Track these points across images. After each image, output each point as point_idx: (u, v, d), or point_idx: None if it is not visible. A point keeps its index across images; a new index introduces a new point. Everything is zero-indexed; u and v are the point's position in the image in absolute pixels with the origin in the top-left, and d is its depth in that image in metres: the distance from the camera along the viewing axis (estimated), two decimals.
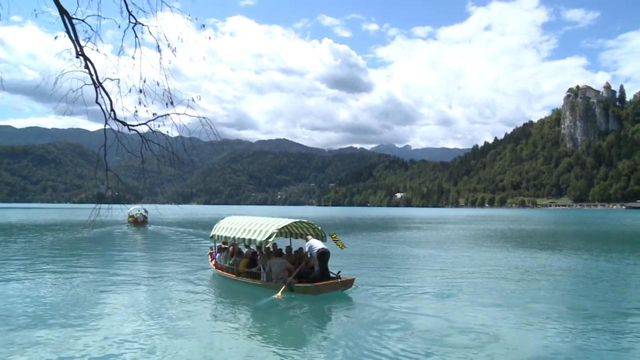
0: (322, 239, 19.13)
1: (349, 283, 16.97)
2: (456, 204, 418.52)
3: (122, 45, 6.95)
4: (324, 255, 17.36)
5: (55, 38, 6.66)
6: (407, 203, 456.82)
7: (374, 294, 16.99)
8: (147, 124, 6.92)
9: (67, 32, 6.51)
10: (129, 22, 6.92)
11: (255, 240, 17.70)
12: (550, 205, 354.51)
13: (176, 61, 6.98)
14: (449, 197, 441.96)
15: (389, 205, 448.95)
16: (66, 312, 14.10)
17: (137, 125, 6.99)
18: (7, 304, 15.26)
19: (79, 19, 6.50)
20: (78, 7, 6.50)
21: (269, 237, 17.30)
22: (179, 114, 6.92)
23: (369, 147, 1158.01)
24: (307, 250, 17.79)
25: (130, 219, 65.61)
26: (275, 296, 15.75)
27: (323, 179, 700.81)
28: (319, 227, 19.54)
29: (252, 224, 18.64)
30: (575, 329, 12.66)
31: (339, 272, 17.47)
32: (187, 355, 10.37)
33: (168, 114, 6.93)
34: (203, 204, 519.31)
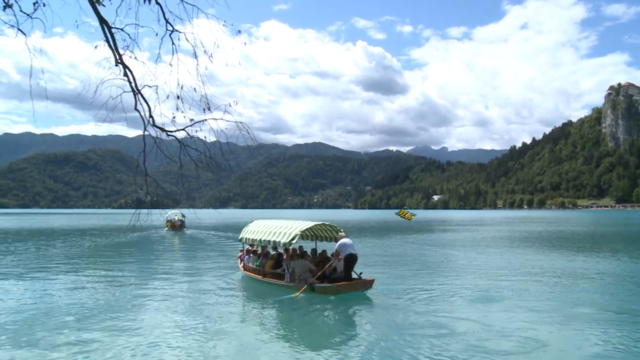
0: None
1: (368, 284, 17.28)
2: (494, 206, 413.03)
3: (159, 53, 7.06)
4: (350, 260, 17.54)
5: (95, 47, 6.81)
6: (444, 205, 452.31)
7: (409, 297, 16.86)
8: (185, 129, 7.01)
9: (107, 41, 6.65)
10: (166, 29, 7.02)
11: (279, 242, 18.44)
12: (592, 207, 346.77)
13: (212, 67, 7.05)
14: (487, 199, 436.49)
15: (425, 208, 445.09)
16: (106, 313, 14.42)
17: (175, 131, 7.09)
18: (51, 305, 15.65)
19: (118, 28, 6.64)
20: (117, 16, 6.63)
21: (292, 239, 17.96)
22: (216, 119, 7.01)
23: (405, 149, 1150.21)
24: (337, 248, 17.83)
25: (168, 223, 66.45)
26: (294, 295, 16.45)
27: (359, 182, 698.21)
28: (344, 231, 19.57)
29: (277, 226, 19.35)
30: (622, 335, 12.18)
31: (361, 273, 17.74)
32: (213, 352, 10.82)
33: (205, 120, 7.01)
34: (240, 208, 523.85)
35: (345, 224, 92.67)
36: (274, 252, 20.35)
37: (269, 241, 19.14)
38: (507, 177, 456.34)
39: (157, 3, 6.66)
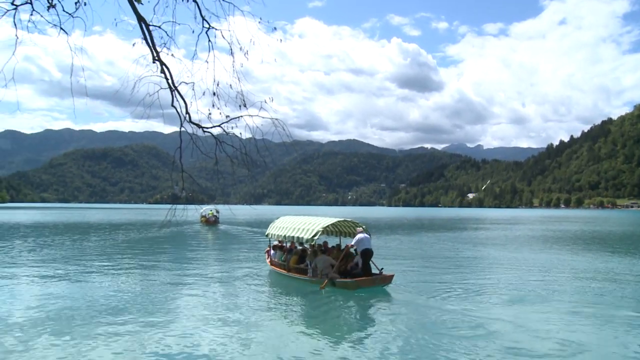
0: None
1: (388, 279, 17.84)
2: (530, 205, 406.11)
3: (195, 50, 7.14)
4: (366, 254, 18.21)
5: (133, 45, 6.91)
6: (479, 204, 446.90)
7: (432, 293, 16.75)
8: (221, 126, 7.06)
9: (145, 38, 6.73)
10: (202, 27, 7.08)
11: (302, 238, 19.10)
12: (632, 206, 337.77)
13: (247, 64, 7.09)
14: (523, 197, 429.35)
15: (460, 206, 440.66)
16: (140, 305, 14.75)
17: (211, 128, 7.15)
18: (86, 299, 15.96)
19: (155, 26, 6.72)
20: (154, 14, 6.71)
21: (314, 235, 18.62)
22: (252, 115, 7.06)
23: (440, 146, 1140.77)
24: (353, 243, 18.50)
25: (202, 218, 67.46)
26: (320, 288, 17.20)
27: (393, 180, 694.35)
28: (364, 226, 20.03)
29: (302, 223, 20.04)
30: None
31: (382, 269, 18.37)
32: (239, 343, 11.24)
33: (241, 116, 7.06)
34: (274, 205, 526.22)
35: (378, 221, 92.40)
36: (298, 247, 21.18)
37: (293, 237, 19.90)
38: (544, 175, 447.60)
39: (194, 1, 6.72)
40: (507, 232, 57.31)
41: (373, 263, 18.44)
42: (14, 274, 21.56)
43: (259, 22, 6.97)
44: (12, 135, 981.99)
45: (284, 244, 22.53)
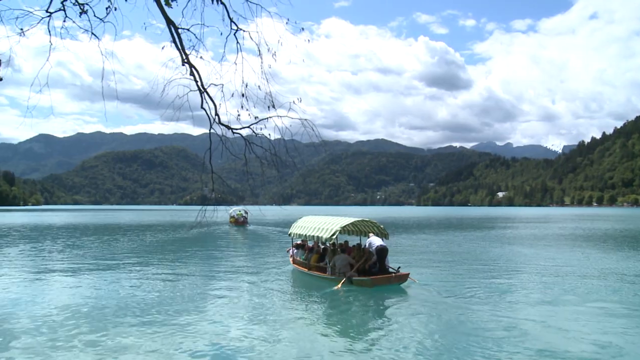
0: (385, 236, 20.69)
1: (403, 277, 18.34)
2: (561, 203, 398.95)
3: (224, 52, 7.18)
4: (381, 251, 18.87)
5: (162, 48, 6.98)
6: (509, 202, 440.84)
7: (466, 294, 16.62)
8: (250, 127, 7.10)
9: (174, 41, 6.81)
10: (231, 29, 7.12)
11: (321, 237, 19.73)
12: None
13: (274, 65, 7.10)
14: (554, 195, 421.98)
15: (490, 205, 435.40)
16: (170, 306, 14.89)
17: (240, 129, 7.19)
18: (117, 298, 16.23)
19: (184, 29, 6.79)
20: (182, 17, 6.78)
21: (333, 235, 19.22)
22: (281, 116, 7.06)
23: (468, 145, 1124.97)
24: (367, 246, 19.44)
25: (231, 219, 67.99)
26: (336, 287, 17.67)
27: (422, 179, 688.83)
28: (381, 226, 20.96)
29: (322, 222, 20.71)
30: None
31: (399, 267, 18.98)
32: (260, 337, 11.84)
33: (270, 117, 7.09)
34: (303, 205, 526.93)
35: (406, 220, 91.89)
36: (318, 246, 21.85)
37: (313, 236, 20.65)
38: (575, 173, 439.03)
39: (222, 3, 6.77)
40: (536, 231, 56.57)
41: (390, 266, 19.07)
42: (48, 274, 22.07)
43: (287, 23, 6.99)
44: (45, 139, 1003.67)
45: (307, 243, 23.22)
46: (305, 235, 21.38)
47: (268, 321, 13.30)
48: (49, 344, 11.02)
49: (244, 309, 14.86)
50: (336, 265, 19.07)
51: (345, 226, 20.17)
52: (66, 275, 21.68)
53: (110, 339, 11.47)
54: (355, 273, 18.44)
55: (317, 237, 20.10)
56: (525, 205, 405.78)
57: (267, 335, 11.87)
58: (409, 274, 18.56)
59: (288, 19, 6.98)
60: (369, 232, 20.63)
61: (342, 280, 17.97)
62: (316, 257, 21.23)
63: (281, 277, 20.98)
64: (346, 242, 21.62)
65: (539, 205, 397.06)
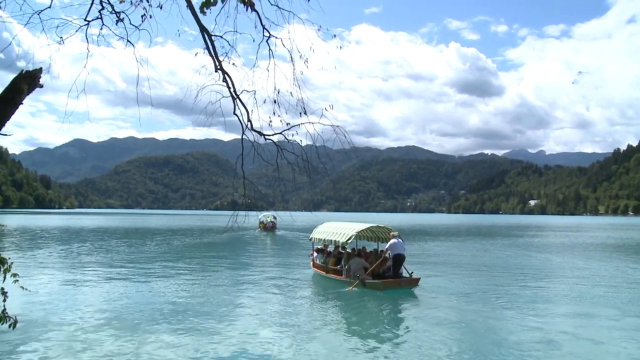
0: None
1: (414, 282, 19.27)
2: (595, 212, 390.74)
3: (256, 58, 7.24)
4: (398, 258, 19.58)
5: (195, 55, 7.08)
6: (542, 211, 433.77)
7: (494, 302, 16.41)
8: (283, 133, 7.14)
9: (207, 48, 6.89)
10: (263, 35, 7.18)
11: (338, 241, 21.24)
12: None
13: (305, 71, 7.13)
14: (587, 204, 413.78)
15: (521, 213, 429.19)
16: (198, 309, 15.11)
17: (272, 135, 7.24)
18: (147, 301, 16.46)
19: (217, 36, 6.87)
20: (215, 24, 6.86)
21: (348, 239, 20.59)
22: (313, 123, 7.09)
23: (500, 152, 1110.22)
24: (387, 247, 19.96)
25: (260, 224, 68.66)
26: (348, 289, 18.69)
27: (453, 186, 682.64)
28: (396, 233, 20.97)
29: (339, 228, 22.14)
30: None
31: (412, 272, 19.78)
32: (273, 333, 12.83)
33: (302, 124, 7.12)
34: (333, 211, 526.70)
35: (434, 228, 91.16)
36: (343, 252, 22.40)
37: (331, 240, 21.98)
38: (610, 181, 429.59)
39: (254, 10, 6.83)
40: (565, 239, 56.45)
41: (405, 268, 19.87)
42: (80, 275, 22.55)
43: (318, 30, 7.02)
44: (80, 144, 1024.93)
45: (328, 248, 24.21)
46: (324, 239, 22.66)
47: (284, 323, 13.87)
48: (78, 347, 11.19)
49: (264, 312, 15.36)
50: (351, 268, 19.89)
51: (360, 231, 21.55)
52: (97, 278, 22.13)
53: (139, 342, 11.63)
54: (369, 276, 19.20)
55: (334, 241, 21.49)
56: (558, 213, 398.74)
57: (283, 336, 12.41)
58: (419, 278, 19.40)
59: (320, 26, 7.01)
60: (391, 233, 20.84)
61: (356, 283, 18.92)
62: (334, 260, 22.34)
63: (302, 281, 21.97)
64: (363, 247, 22.54)
65: (572, 214, 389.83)
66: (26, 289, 5.93)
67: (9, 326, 4.85)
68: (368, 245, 23.45)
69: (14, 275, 4.85)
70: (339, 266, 21.53)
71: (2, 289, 4.64)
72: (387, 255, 20.04)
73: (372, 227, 22.25)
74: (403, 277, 19.51)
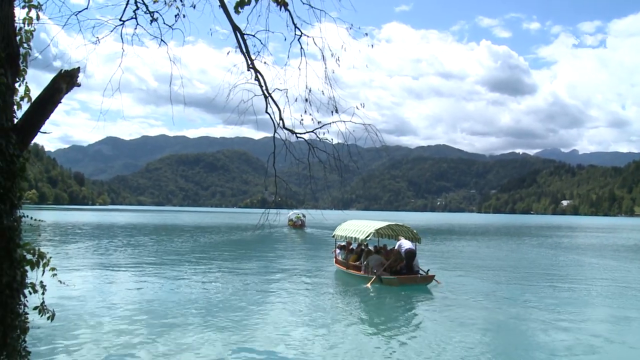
0: (418, 241, 22.52)
1: (429, 278, 19.96)
2: (631, 213, 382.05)
3: (288, 57, 7.29)
4: (410, 254, 20.46)
5: (227, 54, 7.15)
6: (574, 211, 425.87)
7: (520, 301, 16.18)
8: (315, 132, 7.18)
9: (239, 47, 6.95)
10: (295, 34, 7.22)
11: (358, 239, 22.31)
12: None
13: (336, 70, 7.15)
14: (622, 205, 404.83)
15: (553, 213, 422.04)
16: (225, 304, 15.36)
17: (304, 134, 7.28)
18: (176, 297, 16.73)
19: (250, 35, 6.93)
20: (247, 23, 6.93)
21: (367, 237, 21.73)
22: (345, 121, 7.12)
23: (532, 152, 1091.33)
24: (396, 247, 21.09)
25: (289, 222, 69.56)
26: (365, 286, 19.48)
27: (484, 186, 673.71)
28: (414, 231, 22.65)
29: (360, 225, 23.18)
30: None
31: (428, 270, 20.55)
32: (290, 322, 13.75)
33: (334, 122, 7.16)
34: (362, 210, 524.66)
35: (463, 227, 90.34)
36: (365, 248, 23.24)
37: (352, 238, 23.17)
38: None
39: (286, 9, 6.86)
40: (595, 240, 56.16)
41: (419, 267, 20.76)
42: (112, 270, 23.18)
43: (350, 29, 7.03)
44: (112, 142, 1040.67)
45: (352, 245, 24.77)
46: (346, 236, 23.89)
47: (304, 318, 14.45)
48: (105, 343, 11.40)
49: (287, 308, 15.90)
50: (369, 264, 20.84)
51: (379, 229, 22.93)
52: (129, 272, 22.69)
53: (168, 337, 11.83)
54: (387, 273, 20.06)
55: (355, 238, 22.69)
56: (591, 214, 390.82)
57: (303, 331, 12.83)
58: (434, 275, 20.10)
59: (352, 24, 7.02)
60: (399, 236, 22.02)
61: (373, 279, 19.74)
62: (354, 257, 23.17)
63: (324, 277, 23.05)
64: (385, 245, 23.49)
65: (605, 214, 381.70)
66: (63, 283, 6.05)
67: (48, 318, 4.98)
68: (389, 243, 24.01)
69: (52, 269, 4.98)
70: (358, 262, 22.33)
71: (42, 282, 4.76)
72: (400, 252, 20.78)
73: (391, 225, 23.28)
74: (419, 274, 20.31)
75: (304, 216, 70.97)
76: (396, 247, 21.12)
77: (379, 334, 12.74)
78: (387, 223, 23.26)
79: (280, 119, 7.24)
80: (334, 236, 25.89)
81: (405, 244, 20.94)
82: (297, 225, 69.45)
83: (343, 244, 25.40)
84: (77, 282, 18.40)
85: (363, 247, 23.16)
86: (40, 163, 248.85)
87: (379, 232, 23.71)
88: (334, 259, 25.41)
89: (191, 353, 10.61)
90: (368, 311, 16.26)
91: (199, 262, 27.81)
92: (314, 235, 54.07)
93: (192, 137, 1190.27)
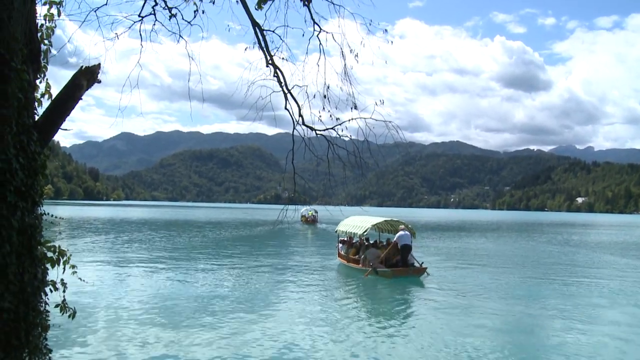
0: (413, 235, 23.13)
1: (422, 270, 21.58)
2: None
3: (306, 53, 7.22)
4: (405, 248, 21.88)
5: (245, 50, 7.13)
6: (589, 208, 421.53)
7: (531, 297, 16.06)
8: (334, 128, 7.13)
9: (259, 42, 6.92)
10: (314, 30, 7.17)
11: (356, 233, 23.93)
12: None
13: (354, 66, 7.10)
14: (639, 202, 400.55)
15: (568, 211, 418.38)
16: (237, 299, 15.53)
17: (324, 130, 7.24)
18: (187, 293, 16.85)
19: (269, 30, 6.89)
20: (266, 19, 6.89)
21: (365, 231, 23.19)
22: (365, 118, 7.07)
23: (547, 148, 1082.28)
24: (395, 238, 22.39)
25: (302, 218, 70.23)
26: (364, 276, 21.20)
27: (498, 182, 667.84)
28: (409, 226, 23.47)
29: (360, 221, 24.49)
30: None
31: (422, 262, 22.25)
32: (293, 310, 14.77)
33: (354, 119, 7.10)
34: (375, 206, 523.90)
35: (476, 223, 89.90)
36: (365, 242, 24.56)
37: (352, 233, 24.76)
38: None
39: (306, 5, 6.82)
40: (605, 238, 56.24)
41: (414, 258, 22.25)
42: (125, 266, 23.46)
43: (370, 24, 6.97)
44: (127, 137, 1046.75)
45: (353, 240, 26.10)
46: (346, 231, 25.44)
47: (304, 309, 15.27)
48: (119, 338, 11.50)
49: (291, 292, 17.74)
50: (367, 257, 22.36)
51: (377, 224, 24.29)
52: (145, 268, 22.88)
53: (179, 332, 11.92)
54: (382, 265, 21.66)
55: (354, 233, 24.35)
56: (607, 212, 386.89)
57: (301, 319, 13.62)
58: (426, 268, 21.62)
59: (371, 20, 6.96)
60: (399, 226, 23.27)
61: (369, 270, 21.38)
62: (354, 251, 24.83)
63: (328, 269, 24.63)
64: (388, 240, 24.50)
65: (621, 212, 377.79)
66: (83, 280, 6.07)
67: (69, 316, 4.98)
68: (392, 238, 24.86)
69: (73, 267, 4.97)
70: (357, 256, 23.98)
71: (62, 280, 4.76)
72: (398, 244, 22.14)
73: (388, 220, 24.95)
74: (411, 266, 21.81)
75: (316, 212, 71.78)
76: (396, 237, 22.48)
77: (370, 320, 14.20)
78: (384, 219, 24.88)
79: (300, 115, 7.20)
80: (336, 231, 27.29)
81: (404, 238, 22.10)
82: (310, 221, 70.89)
83: (345, 238, 26.86)
84: (94, 279, 18.54)
85: (364, 242, 24.52)
86: (56, 159, 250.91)
87: (378, 227, 25.12)
88: (337, 253, 26.98)
89: (206, 348, 10.65)
90: (362, 300, 17.98)
91: (212, 256, 28.66)
92: (326, 231, 54.53)
93: (205, 132, 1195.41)
